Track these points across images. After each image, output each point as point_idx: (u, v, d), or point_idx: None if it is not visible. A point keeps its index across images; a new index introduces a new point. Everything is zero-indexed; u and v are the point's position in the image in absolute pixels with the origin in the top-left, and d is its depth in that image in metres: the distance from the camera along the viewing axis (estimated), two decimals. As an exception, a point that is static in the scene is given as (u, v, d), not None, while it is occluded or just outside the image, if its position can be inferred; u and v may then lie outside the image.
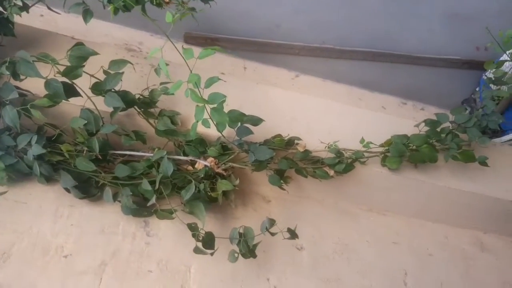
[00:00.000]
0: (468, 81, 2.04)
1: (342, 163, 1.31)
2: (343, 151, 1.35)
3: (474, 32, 1.83)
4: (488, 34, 1.31)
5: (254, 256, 1.15)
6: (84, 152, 1.20)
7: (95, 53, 1.15)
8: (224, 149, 1.31)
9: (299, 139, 1.35)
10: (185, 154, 1.31)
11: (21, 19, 1.36)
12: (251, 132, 1.27)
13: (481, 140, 1.43)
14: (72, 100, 1.16)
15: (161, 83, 1.30)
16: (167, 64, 1.28)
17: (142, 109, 1.29)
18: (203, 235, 1.15)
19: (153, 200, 1.18)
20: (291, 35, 1.98)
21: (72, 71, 1.13)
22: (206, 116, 1.12)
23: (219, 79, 1.12)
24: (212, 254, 1.12)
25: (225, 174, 1.31)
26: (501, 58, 1.59)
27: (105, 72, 1.19)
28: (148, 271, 1.15)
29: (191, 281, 1.16)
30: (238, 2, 1.87)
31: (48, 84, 1.11)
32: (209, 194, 1.25)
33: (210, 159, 1.30)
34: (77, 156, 1.20)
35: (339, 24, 1.91)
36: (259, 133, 1.30)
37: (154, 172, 1.26)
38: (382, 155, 1.41)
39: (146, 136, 1.29)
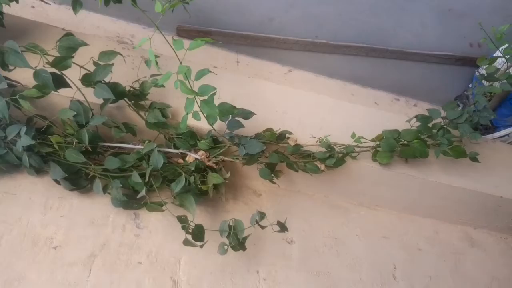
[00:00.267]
0: (461, 77, 2.06)
1: (333, 158, 1.33)
2: (334, 146, 1.36)
3: (468, 28, 1.85)
4: (481, 30, 1.32)
5: (244, 248, 1.17)
6: (74, 144, 1.21)
7: (84, 44, 1.15)
8: (215, 142, 1.32)
9: (290, 133, 1.36)
10: (175, 147, 1.32)
11: (12, 10, 1.37)
12: (241, 126, 1.28)
13: (472, 136, 1.45)
14: (62, 91, 1.17)
15: (152, 75, 1.30)
16: (157, 56, 1.29)
17: (133, 101, 1.30)
18: (193, 227, 1.16)
19: (143, 193, 1.19)
20: (284, 29, 1.99)
21: (61, 62, 1.13)
22: (196, 108, 1.13)
23: (210, 71, 1.13)
24: (201, 246, 1.14)
25: (215, 167, 1.32)
26: (494, 55, 1.61)
27: (95, 63, 1.19)
28: (138, 263, 1.16)
29: (181, 273, 1.18)
30: (232, -5, 1.87)
31: (37, 74, 1.11)
32: (200, 187, 1.26)
33: (201, 152, 1.31)
34: (67, 147, 1.21)
35: (332, 18, 1.92)
36: (251, 127, 1.32)
37: (145, 164, 1.27)
38: (373, 150, 1.43)
39: (136, 128, 1.30)
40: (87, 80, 1.18)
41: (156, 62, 1.09)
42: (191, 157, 1.30)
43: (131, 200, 1.26)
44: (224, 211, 1.37)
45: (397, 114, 1.90)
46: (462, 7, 1.79)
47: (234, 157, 1.33)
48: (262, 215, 1.19)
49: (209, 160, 1.31)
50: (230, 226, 1.18)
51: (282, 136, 1.35)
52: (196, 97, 1.10)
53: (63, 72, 1.15)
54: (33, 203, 1.21)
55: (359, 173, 1.46)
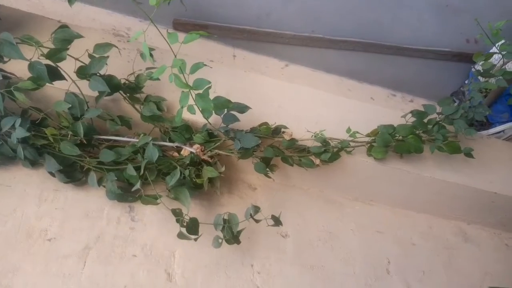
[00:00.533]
0: (457, 73, 2.07)
1: (328, 152, 1.34)
2: (329, 140, 1.37)
3: (465, 24, 1.85)
4: (478, 26, 1.33)
5: (238, 242, 1.18)
6: (69, 136, 1.21)
7: (79, 36, 1.15)
8: (210, 136, 1.33)
9: (285, 127, 1.37)
10: (171, 141, 1.33)
11: (7, 2, 1.36)
12: (237, 119, 1.29)
13: (467, 131, 1.46)
14: (57, 84, 1.17)
15: (147, 68, 1.31)
16: (152, 49, 1.30)
17: (128, 94, 1.30)
18: (187, 220, 1.18)
19: (138, 186, 1.20)
20: (281, 23, 1.99)
21: (56, 54, 1.13)
22: (191, 102, 1.13)
23: (205, 64, 1.13)
24: (196, 239, 1.15)
25: (211, 161, 1.33)
26: (491, 51, 1.62)
27: (90, 56, 1.19)
28: (132, 256, 1.17)
29: (175, 266, 1.19)
30: (229, -12, 1.87)
31: (31, 66, 1.12)
32: (195, 180, 1.27)
33: (196, 145, 1.32)
34: (62, 140, 1.21)
35: (329, 13, 1.92)
36: (246, 121, 1.32)
37: (139, 157, 1.28)
38: (368, 145, 1.44)
39: (131, 121, 1.31)
40: (82, 72, 1.19)
41: (151, 55, 1.09)
42: (186, 150, 1.31)
43: (126, 193, 1.27)
44: (219, 205, 1.38)
45: (393, 110, 1.90)
46: (459, 3, 1.80)
47: (229, 151, 1.34)
48: (256, 209, 1.20)
49: (204, 154, 1.32)
50: (224, 220, 1.19)
51: (277, 131, 1.36)
52: (191, 90, 1.11)
53: (58, 64, 1.15)
54: (28, 195, 1.22)
55: (354, 168, 1.47)
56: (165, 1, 1.01)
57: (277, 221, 1.20)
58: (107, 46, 1.20)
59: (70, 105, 1.18)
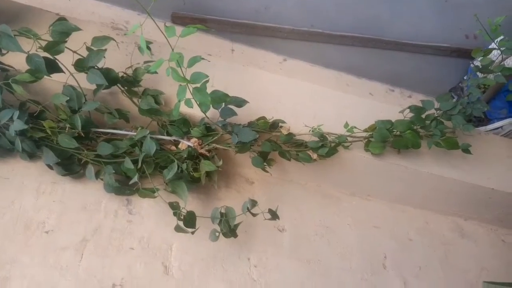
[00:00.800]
0: (456, 69, 2.07)
1: (325, 147, 1.35)
2: (326, 135, 1.38)
3: (464, 19, 1.86)
4: (477, 22, 1.34)
5: (235, 235, 1.20)
6: (67, 129, 1.22)
7: (77, 29, 1.16)
8: (207, 130, 1.34)
9: (283, 122, 1.38)
10: (168, 134, 1.34)
11: (5, -6, 1.37)
12: (234, 113, 1.30)
13: (465, 127, 1.47)
14: (55, 76, 1.18)
15: (145, 62, 1.32)
16: (150, 43, 1.30)
17: (126, 88, 1.31)
18: (184, 214, 1.19)
19: (135, 179, 1.21)
20: (280, 18, 2.00)
21: (54, 47, 1.14)
22: (189, 96, 1.14)
23: (202, 58, 1.14)
24: (193, 233, 1.16)
25: (208, 155, 1.34)
26: (490, 46, 1.62)
27: (88, 48, 1.20)
28: (130, 248, 1.19)
29: (172, 259, 1.20)
30: (227, -18, 1.87)
31: (29, 58, 1.12)
32: (192, 174, 1.28)
33: (194, 139, 1.33)
34: (60, 133, 1.22)
35: (328, 8, 1.92)
36: (244, 115, 1.33)
37: (137, 151, 1.29)
38: (366, 140, 1.45)
39: (129, 115, 1.32)
40: (80, 65, 1.20)
41: (149, 48, 1.10)
42: (183, 144, 1.32)
43: (123, 186, 1.28)
44: (216, 199, 1.39)
45: (391, 105, 1.92)
46: (459, -1, 1.80)
47: (227, 145, 1.35)
48: (253, 203, 1.22)
49: (201, 148, 1.33)
50: (221, 213, 1.20)
51: (275, 125, 1.37)
52: (189, 84, 1.12)
53: (56, 57, 1.16)
54: (25, 187, 1.23)
55: (352, 163, 1.48)
56: (163, -6, 1.01)
57: (274, 215, 1.21)
58: (105, 39, 1.21)
59: (68, 98, 1.19)
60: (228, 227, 1.19)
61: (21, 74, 1.15)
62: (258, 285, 1.22)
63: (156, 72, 1.24)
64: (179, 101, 1.13)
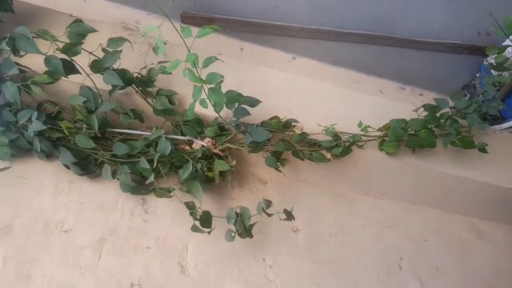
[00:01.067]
0: (468, 66, 2.08)
1: (340, 146, 1.37)
2: (340, 134, 1.41)
3: (476, 16, 1.87)
4: (490, 18, 1.35)
5: (251, 236, 1.23)
6: (84, 129, 1.27)
7: (93, 30, 1.20)
8: (221, 129, 1.37)
9: (296, 121, 1.41)
10: (182, 134, 1.37)
11: (20, -4, 1.42)
12: (248, 113, 1.33)
13: (480, 126, 1.49)
14: (71, 77, 1.22)
15: (159, 62, 1.35)
16: (163, 43, 1.34)
17: (140, 88, 1.35)
18: (200, 214, 1.23)
19: (151, 179, 1.25)
20: (289, 16, 2.02)
21: (71, 48, 1.18)
22: (203, 96, 1.18)
23: (217, 58, 1.18)
24: (209, 232, 1.20)
25: (222, 154, 1.38)
26: (504, 43, 1.64)
27: (103, 50, 1.24)
28: (146, 248, 1.23)
29: (189, 258, 1.24)
30: (236, -19, 1.91)
31: (47, 60, 1.17)
32: (206, 174, 1.32)
33: (207, 139, 1.37)
34: (77, 133, 1.27)
35: (338, 6, 1.95)
36: (256, 115, 1.36)
37: (152, 151, 1.33)
38: (380, 139, 1.48)
39: (144, 115, 1.35)
40: (96, 66, 1.24)
41: (164, 50, 1.14)
42: (197, 144, 1.36)
43: (139, 186, 1.32)
44: (230, 198, 1.43)
45: (403, 103, 1.93)
46: (471, -5, 1.81)
47: (240, 145, 1.38)
48: (268, 203, 1.25)
49: (215, 148, 1.37)
50: (237, 213, 1.24)
51: (288, 124, 1.40)
52: (203, 84, 1.15)
53: (73, 58, 1.20)
54: (44, 187, 1.28)
55: (365, 162, 1.51)
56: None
57: (289, 215, 1.24)
58: (121, 40, 1.25)
59: (85, 99, 1.23)
60: (243, 227, 1.22)
61: (40, 76, 1.19)
62: (274, 286, 1.25)
63: (170, 73, 1.28)
64: (195, 101, 1.17)
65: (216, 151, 1.36)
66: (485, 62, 1.98)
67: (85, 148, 1.27)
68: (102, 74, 1.24)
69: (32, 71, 1.29)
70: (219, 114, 1.31)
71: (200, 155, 1.33)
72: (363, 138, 1.44)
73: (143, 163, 1.28)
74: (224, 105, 1.27)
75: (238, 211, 1.25)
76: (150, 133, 1.32)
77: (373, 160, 1.50)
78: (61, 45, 1.17)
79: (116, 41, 1.25)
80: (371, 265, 1.40)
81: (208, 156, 1.36)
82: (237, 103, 1.32)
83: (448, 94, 1.54)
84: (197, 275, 1.22)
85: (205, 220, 1.22)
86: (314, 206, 1.49)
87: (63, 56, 1.19)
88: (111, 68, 1.25)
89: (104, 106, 1.25)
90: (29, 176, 1.28)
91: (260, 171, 1.55)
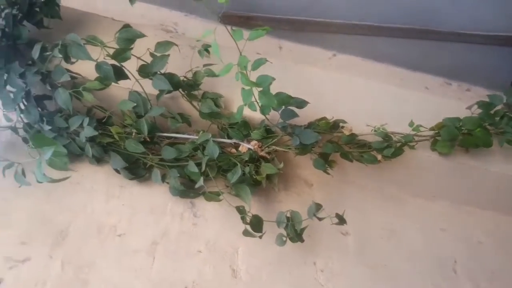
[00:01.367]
0: (519, 60, 1.98)
1: (391, 147, 1.34)
2: (391, 135, 1.37)
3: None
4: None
5: (302, 240, 1.22)
6: (133, 134, 1.29)
7: (142, 35, 1.22)
8: (267, 132, 1.37)
9: (344, 122, 1.38)
10: (228, 137, 1.38)
11: (63, 1, 1.45)
12: (296, 115, 1.31)
13: (538, 123, 1.42)
14: (119, 82, 1.24)
15: (205, 65, 1.36)
16: (209, 46, 1.35)
17: (186, 92, 1.36)
18: (250, 218, 1.23)
19: (201, 182, 1.26)
20: (328, 12, 1.98)
21: (121, 54, 1.20)
22: (252, 99, 1.17)
23: (266, 60, 1.17)
24: (261, 237, 1.20)
25: (268, 157, 1.37)
26: None
27: (151, 54, 1.26)
28: (198, 251, 1.24)
29: (239, 262, 1.25)
30: (274, -21, 1.89)
31: (98, 67, 1.19)
32: (254, 177, 1.32)
33: (254, 142, 1.36)
34: (126, 138, 1.29)
35: (378, -1, 1.89)
36: (301, 115, 1.34)
37: (199, 154, 1.34)
38: (432, 139, 1.43)
39: (191, 119, 1.36)
40: (144, 71, 1.26)
41: (208, 52, 1.14)
42: (244, 147, 1.36)
43: (188, 189, 1.34)
44: (277, 201, 1.42)
45: (449, 100, 1.87)
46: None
47: (287, 147, 1.37)
48: (318, 207, 1.24)
49: (262, 150, 1.36)
50: (287, 218, 1.23)
51: (336, 125, 1.38)
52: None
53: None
54: (95, 191, 1.31)
55: (416, 163, 1.47)
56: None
57: (341, 220, 1.22)
58: (168, 44, 1.26)
59: (135, 104, 1.25)
60: (294, 231, 1.21)
61: (91, 82, 1.22)
62: (326, 290, 1.24)
63: (218, 75, 1.29)
64: (245, 104, 1.16)
65: (263, 153, 1.36)
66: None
67: (135, 152, 1.30)
68: (150, 78, 1.26)
69: (82, 77, 1.32)
70: (266, 117, 1.30)
71: (247, 158, 1.33)
72: (415, 138, 1.40)
73: (192, 167, 1.29)
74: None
75: (288, 215, 1.24)
76: (197, 137, 1.33)
77: (425, 160, 1.46)
78: (109, 51, 1.19)
79: (163, 45, 1.26)
80: (424, 269, 1.36)
81: (255, 159, 1.36)
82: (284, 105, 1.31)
83: (496, 90, 1.48)
84: (249, 279, 1.22)
85: (256, 224, 1.22)
86: (362, 208, 1.46)
87: (112, 61, 1.21)
88: (159, 72, 1.26)
89: (154, 111, 1.27)
90: (81, 181, 1.32)
91: (305, 173, 1.53)
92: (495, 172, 1.46)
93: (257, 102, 1.21)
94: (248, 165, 1.31)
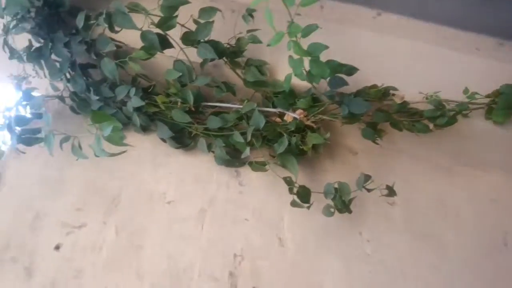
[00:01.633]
0: None
1: (444, 116, 1.29)
2: (445, 103, 1.32)
3: None
4: None
5: (350, 211, 1.22)
6: (178, 103, 1.29)
7: (186, 2, 1.18)
8: (314, 100, 1.34)
9: (395, 89, 1.33)
10: (273, 106, 1.36)
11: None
12: (346, 83, 1.27)
13: None
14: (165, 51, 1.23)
15: (248, 31, 1.32)
16: (253, 11, 1.29)
17: (229, 59, 1.33)
18: (297, 188, 1.23)
19: (247, 152, 1.27)
20: (374, -33, 1.85)
21: (166, 22, 1.18)
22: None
23: (318, 26, 1.12)
24: (308, 207, 1.21)
25: (314, 126, 1.35)
26: None
27: (195, 21, 1.23)
28: (245, 219, 1.27)
29: (286, 231, 1.27)
30: None
31: (144, 35, 1.18)
32: (301, 147, 1.31)
33: (299, 111, 1.34)
34: (172, 107, 1.30)
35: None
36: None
37: (244, 123, 1.33)
38: (487, 107, 1.36)
39: (235, 87, 1.35)
40: (189, 39, 1.23)
41: (252, 17, 1.09)
42: (289, 116, 1.34)
43: (233, 159, 1.35)
44: (322, 170, 1.42)
45: (503, 63, 1.76)
46: None
47: (333, 116, 1.35)
48: (367, 178, 1.22)
49: (308, 120, 1.34)
50: (335, 189, 1.23)
51: (386, 93, 1.33)
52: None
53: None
54: (142, 160, 1.35)
55: (469, 132, 1.41)
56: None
57: (391, 191, 1.21)
58: (212, 10, 1.22)
59: (181, 74, 1.24)
60: (342, 202, 1.21)
61: (137, 52, 1.21)
62: (372, 260, 1.26)
63: (261, 42, 1.25)
64: (295, 75, 1.13)
65: (308, 123, 1.34)
66: None
67: (181, 122, 1.31)
68: (195, 47, 1.24)
69: (125, 46, 1.32)
70: (313, 85, 1.27)
71: (293, 128, 1.31)
72: (470, 106, 1.33)
73: (237, 137, 1.29)
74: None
75: (336, 186, 1.24)
76: (241, 106, 1.32)
77: (478, 129, 1.40)
78: (153, 18, 1.17)
79: (207, 11, 1.22)
80: (473, 240, 1.35)
81: (300, 129, 1.34)
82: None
83: None
84: (295, 247, 1.25)
85: (304, 195, 1.23)
86: (410, 178, 1.44)
87: (157, 30, 1.19)
88: (203, 40, 1.24)
89: (200, 81, 1.26)
90: (128, 150, 1.34)
91: (349, 141, 1.51)
92: (554, 142, 1.39)
93: (305, 70, 1.18)
94: (294, 135, 1.30)
